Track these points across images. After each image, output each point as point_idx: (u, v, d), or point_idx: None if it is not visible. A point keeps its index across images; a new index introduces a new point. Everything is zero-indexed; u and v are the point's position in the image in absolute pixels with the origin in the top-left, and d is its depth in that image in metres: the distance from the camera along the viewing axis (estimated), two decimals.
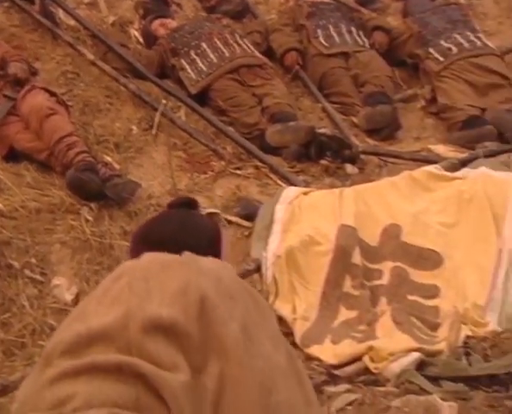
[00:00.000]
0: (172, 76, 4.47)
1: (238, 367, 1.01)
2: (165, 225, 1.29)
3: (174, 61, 4.44)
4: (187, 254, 1.17)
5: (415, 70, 4.59)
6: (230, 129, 4.15)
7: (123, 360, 1.00)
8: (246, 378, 1.01)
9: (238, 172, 3.92)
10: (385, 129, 4.24)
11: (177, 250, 1.19)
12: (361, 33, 4.68)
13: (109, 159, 3.83)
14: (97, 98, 4.09)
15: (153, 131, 4.00)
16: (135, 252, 1.25)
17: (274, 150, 4.07)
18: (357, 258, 3.16)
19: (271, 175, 3.91)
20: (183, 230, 1.28)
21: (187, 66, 4.40)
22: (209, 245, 1.26)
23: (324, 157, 3.99)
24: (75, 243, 3.37)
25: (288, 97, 4.35)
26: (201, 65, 4.38)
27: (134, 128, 4.06)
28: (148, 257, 1.18)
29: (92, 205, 3.52)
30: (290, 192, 3.56)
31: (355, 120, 4.34)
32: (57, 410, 1.00)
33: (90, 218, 3.47)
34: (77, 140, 3.70)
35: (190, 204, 1.36)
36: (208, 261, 1.16)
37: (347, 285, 3.11)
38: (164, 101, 4.06)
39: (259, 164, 3.96)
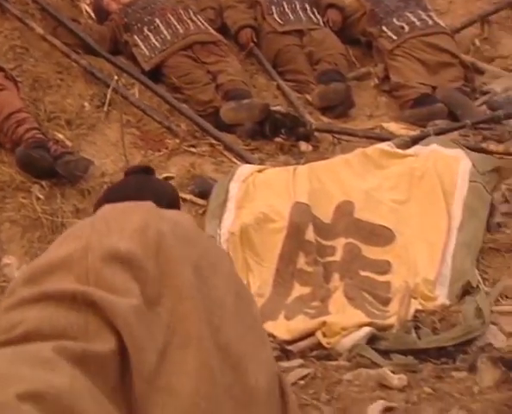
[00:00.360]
0: (125, 52, 4.41)
1: (190, 305, 1.05)
2: (125, 189, 1.32)
3: (127, 37, 4.38)
4: (147, 202, 1.21)
5: (369, 48, 4.62)
6: (184, 107, 4.12)
7: (77, 289, 1.03)
8: (197, 316, 1.04)
9: (192, 149, 3.91)
10: (339, 107, 4.27)
11: None
12: (315, 10, 4.68)
13: (60, 136, 3.77)
14: (48, 74, 4.01)
15: (105, 108, 3.95)
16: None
17: (229, 128, 4.06)
18: (310, 235, 3.19)
19: (226, 153, 3.90)
20: (142, 193, 1.31)
21: (140, 42, 4.34)
22: (168, 207, 1.30)
23: (279, 135, 4.00)
24: (25, 221, 3.32)
25: (242, 75, 4.34)
26: (154, 41, 4.33)
27: (87, 104, 4.00)
28: (109, 207, 1.22)
29: (43, 183, 3.47)
30: (244, 170, 3.56)
31: (309, 97, 4.36)
32: (5, 335, 1.01)
33: (41, 196, 3.42)
34: (27, 116, 3.63)
35: (147, 171, 1.38)
36: (166, 210, 1.20)
37: (301, 261, 3.14)
38: (115, 77, 4.01)
39: (214, 141, 3.95)
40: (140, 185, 1.33)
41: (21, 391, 0.90)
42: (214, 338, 1.06)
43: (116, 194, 1.33)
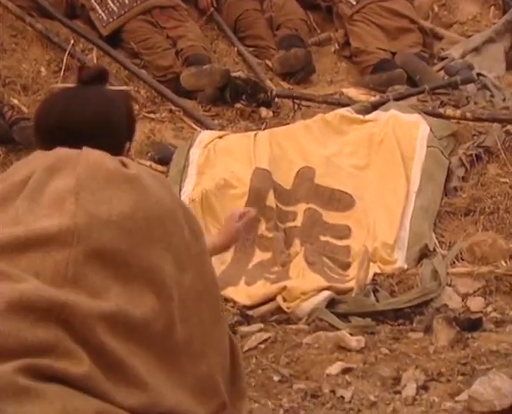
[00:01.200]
0: (82, 16, 4.32)
1: (171, 306, 1.04)
2: (83, 106, 1.27)
3: (83, 1, 4.29)
4: (129, 164, 1.16)
5: (329, 13, 4.61)
6: (143, 72, 4.07)
7: (56, 300, 0.97)
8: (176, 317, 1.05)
9: (152, 115, 3.87)
10: (299, 73, 4.26)
11: (95, 138, 1.21)
12: None
13: (16, 101, 3.70)
14: (2, 38, 3.92)
15: (62, 73, 3.88)
16: (49, 139, 1.22)
17: (189, 94, 4.03)
18: (271, 200, 3.20)
19: (186, 119, 3.88)
20: (100, 111, 1.27)
21: (97, 7, 4.26)
22: (128, 127, 1.30)
23: (239, 100, 3.98)
24: None
25: (203, 40, 4.30)
26: (112, 5, 4.25)
27: (43, 69, 3.92)
28: (89, 170, 1.12)
29: None
30: (205, 136, 3.55)
31: (270, 63, 4.34)
32: None
33: None
34: None
35: (103, 78, 1.34)
36: (149, 179, 1.16)
37: (262, 227, 3.15)
38: (72, 41, 3.93)
39: (174, 108, 3.92)
40: (97, 99, 1.28)
41: None
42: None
43: (75, 110, 1.26)
